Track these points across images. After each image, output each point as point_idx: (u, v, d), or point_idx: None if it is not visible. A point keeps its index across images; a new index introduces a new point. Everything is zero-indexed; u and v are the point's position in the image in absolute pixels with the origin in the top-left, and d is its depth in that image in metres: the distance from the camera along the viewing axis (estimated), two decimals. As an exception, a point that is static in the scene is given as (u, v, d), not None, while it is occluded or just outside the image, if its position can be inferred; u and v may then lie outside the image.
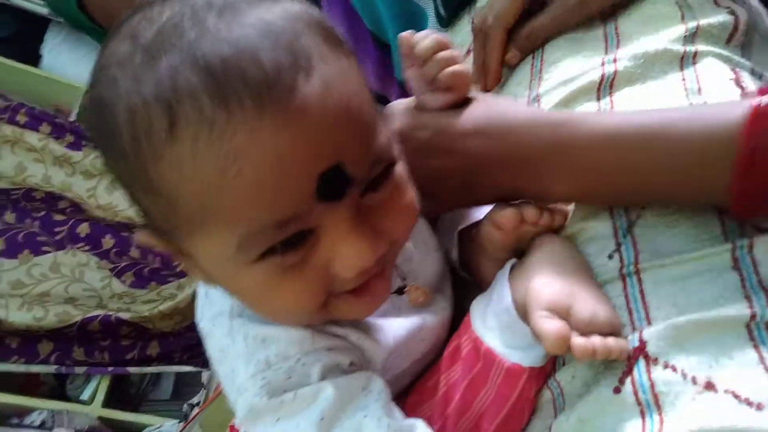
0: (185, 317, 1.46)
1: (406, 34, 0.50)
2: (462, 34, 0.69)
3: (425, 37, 0.49)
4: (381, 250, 0.37)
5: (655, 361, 0.38)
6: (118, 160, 0.35)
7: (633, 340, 0.40)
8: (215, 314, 0.45)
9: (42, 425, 1.31)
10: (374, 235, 0.37)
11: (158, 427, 1.39)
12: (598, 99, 0.50)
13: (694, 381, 0.37)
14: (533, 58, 0.57)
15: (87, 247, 1.42)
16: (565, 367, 0.45)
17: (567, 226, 0.49)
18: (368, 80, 0.53)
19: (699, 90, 0.47)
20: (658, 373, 0.38)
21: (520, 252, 0.49)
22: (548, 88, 0.54)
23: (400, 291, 0.49)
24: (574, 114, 0.48)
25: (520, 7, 0.58)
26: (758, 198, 0.39)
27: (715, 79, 0.47)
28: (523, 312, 0.42)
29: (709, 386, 0.36)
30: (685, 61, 0.49)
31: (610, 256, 0.44)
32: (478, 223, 0.52)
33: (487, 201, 0.51)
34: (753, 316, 0.37)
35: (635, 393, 0.38)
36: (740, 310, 0.37)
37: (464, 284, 0.57)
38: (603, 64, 0.51)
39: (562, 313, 0.40)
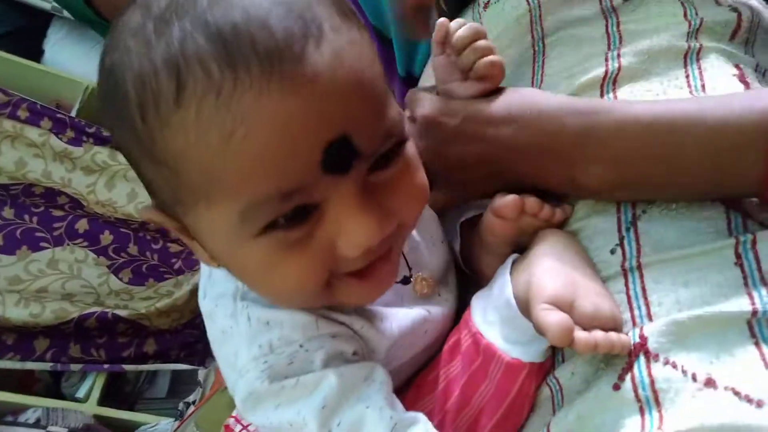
0: (182, 315, 1.45)
1: (443, 21, 0.50)
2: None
3: (462, 26, 0.50)
4: (388, 229, 0.36)
5: (656, 357, 0.38)
6: (125, 128, 0.34)
7: (634, 337, 0.39)
8: (218, 295, 0.44)
9: (37, 423, 1.30)
10: (381, 212, 0.36)
11: (153, 426, 1.38)
12: (602, 95, 0.50)
13: (694, 378, 0.36)
14: (535, 53, 0.57)
15: (85, 244, 1.41)
16: (564, 364, 0.44)
17: (571, 221, 0.49)
18: None
19: (703, 87, 0.47)
20: (659, 369, 0.38)
21: (521, 248, 0.49)
22: (551, 84, 0.54)
23: (405, 281, 0.49)
24: (605, 102, 0.48)
25: None
26: None
27: (719, 76, 0.47)
28: (524, 307, 0.42)
29: (710, 383, 0.36)
30: (689, 57, 0.49)
31: (613, 251, 0.44)
32: (479, 216, 0.52)
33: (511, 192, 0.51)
34: (754, 312, 0.37)
35: (635, 390, 0.38)
36: (742, 306, 0.37)
37: (466, 279, 0.57)
38: (607, 59, 0.51)
39: (565, 307, 0.39)
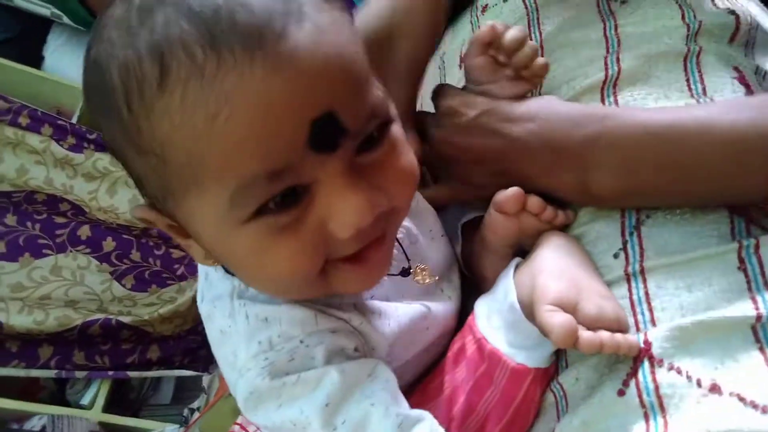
0: (185, 321, 1.45)
1: (493, 23, 0.51)
2: (462, 34, 0.69)
3: (512, 28, 0.50)
4: (378, 208, 0.36)
5: (660, 362, 0.38)
6: (112, 120, 0.34)
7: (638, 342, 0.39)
8: (216, 296, 0.44)
9: (42, 430, 1.30)
10: (371, 191, 0.35)
11: (159, 432, 1.38)
12: (602, 99, 0.50)
13: (699, 383, 0.36)
14: (538, 51, 0.58)
15: (88, 250, 1.41)
16: (568, 370, 0.44)
17: (574, 225, 0.49)
18: None
19: (704, 90, 0.47)
20: (663, 375, 0.38)
21: (522, 252, 0.49)
22: (552, 88, 0.54)
23: (405, 273, 0.49)
24: (616, 109, 0.48)
25: None
26: None
27: (719, 78, 0.47)
28: (529, 310, 0.42)
29: (714, 388, 0.36)
30: (689, 60, 0.49)
31: (616, 255, 0.44)
32: (481, 219, 0.52)
33: None
34: (759, 317, 0.37)
35: (639, 395, 0.38)
36: (746, 311, 0.37)
37: (467, 282, 0.57)
38: (606, 63, 0.51)
39: (569, 309, 0.39)
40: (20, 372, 1.31)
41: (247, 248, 0.36)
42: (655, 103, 0.48)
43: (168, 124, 0.32)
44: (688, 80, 0.48)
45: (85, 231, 1.42)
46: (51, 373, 1.34)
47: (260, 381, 0.40)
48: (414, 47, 0.57)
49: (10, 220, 1.36)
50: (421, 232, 0.52)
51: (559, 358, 0.46)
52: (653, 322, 0.40)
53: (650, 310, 0.41)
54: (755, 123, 0.40)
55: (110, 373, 1.38)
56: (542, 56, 0.56)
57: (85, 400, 1.39)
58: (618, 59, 0.51)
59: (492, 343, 0.45)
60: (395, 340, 0.46)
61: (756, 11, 0.54)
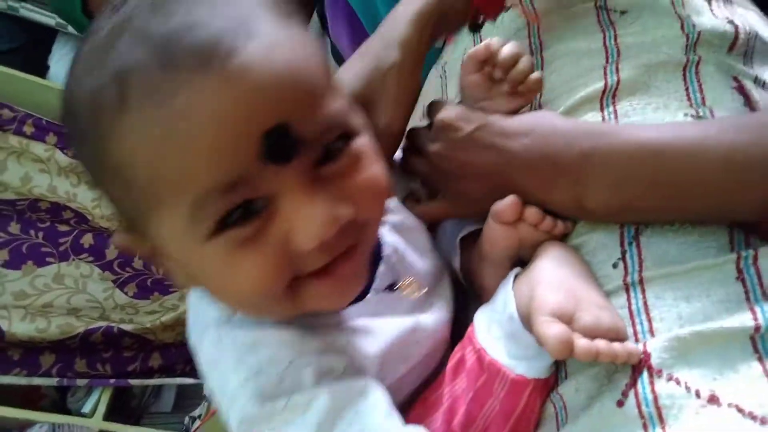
0: (187, 329, 1.45)
1: (489, 40, 0.52)
2: (464, 44, 0.69)
3: (507, 44, 0.51)
4: (342, 219, 0.36)
5: (659, 373, 0.38)
6: (85, 146, 0.36)
7: (636, 352, 0.39)
8: (203, 327, 0.44)
9: (44, 438, 1.31)
10: (333, 202, 0.35)
11: (160, 440, 1.38)
12: (602, 108, 0.50)
13: (697, 394, 0.36)
14: (534, 66, 0.58)
15: (90, 258, 1.42)
16: (568, 380, 0.44)
17: (573, 236, 0.49)
18: None
19: (703, 100, 0.47)
20: (662, 385, 0.38)
21: (521, 262, 0.49)
22: (552, 97, 0.54)
23: (391, 287, 0.49)
24: (615, 126, 0.48)
25: None
26: None
27: (718, 88, 0.48)
28: (527, 321, 0.42)
29: (713, 399, 0.36)
30: (688, 70, 0.49)
31: (615, 265, 0.44)
32: (479, 232, 0.52)
33: None
34: (757, 328, 0.37)
35: (638, 406, 0.38)
36: (744, 321, 0.37)
37: (467, 295, 0.57)
38: (605, 73, 0.51)
39: (566, 320, 0.39)
40: (22, 380, 1.31)
41: (213, 264, 0.36)
42: (654, 113, 0.48)
43: (130, 144, 0.33)
44: (687, 90, 0.48)
45: (88, 239, 1.43)
46: (52, 381, 1.34)
47: (250, 407, 0.39)
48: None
49: (14, 228, 1.37)
50: (408, 246, 0.52)
51: (559, 369, 0.46)
52: (652, 333, 0.40)
53: (649, 320, 0.41)
54: (757, 143, 0.40)
55: (112, 381, 1.39)
56: (542, 67, 0.57)
57: (87, 408, 1.39)
58: (617, 69, 0.51)
59: (491, 354, 0.45)
60: (385, 357, 0.46)
61: (755, 21, 0.54)
